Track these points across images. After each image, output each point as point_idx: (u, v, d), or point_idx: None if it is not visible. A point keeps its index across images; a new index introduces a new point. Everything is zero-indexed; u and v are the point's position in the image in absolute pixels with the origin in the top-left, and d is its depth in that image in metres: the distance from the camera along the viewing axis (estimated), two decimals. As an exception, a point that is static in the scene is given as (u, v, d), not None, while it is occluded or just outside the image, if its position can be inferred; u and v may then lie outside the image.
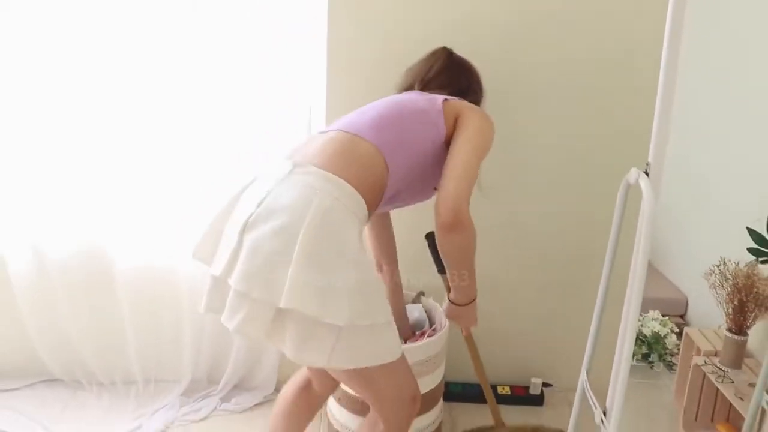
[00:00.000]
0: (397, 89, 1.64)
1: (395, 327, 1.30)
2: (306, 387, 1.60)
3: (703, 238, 2.42)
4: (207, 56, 1.97)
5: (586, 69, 1.95)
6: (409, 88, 1.61)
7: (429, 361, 1.84)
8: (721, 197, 2.27)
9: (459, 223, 1.27)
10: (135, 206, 2.05)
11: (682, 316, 2.62)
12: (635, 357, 2.17)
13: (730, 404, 1.77)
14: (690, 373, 1.93)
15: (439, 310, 1.99)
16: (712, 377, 1.83)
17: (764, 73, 1.98)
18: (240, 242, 1.22)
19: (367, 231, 1.76)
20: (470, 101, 1.55)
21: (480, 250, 2.10)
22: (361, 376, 1.31)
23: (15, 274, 2.10)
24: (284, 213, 1.19)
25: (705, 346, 1.96)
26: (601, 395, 1.46)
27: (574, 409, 1.71)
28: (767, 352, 1.55)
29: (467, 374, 2.26)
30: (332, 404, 1.93)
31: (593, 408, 1.49)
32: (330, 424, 1.96)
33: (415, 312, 2.02)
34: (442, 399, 2.02)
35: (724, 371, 1.83)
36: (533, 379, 2.22)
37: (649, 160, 1.23)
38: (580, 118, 2.00)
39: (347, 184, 1.24)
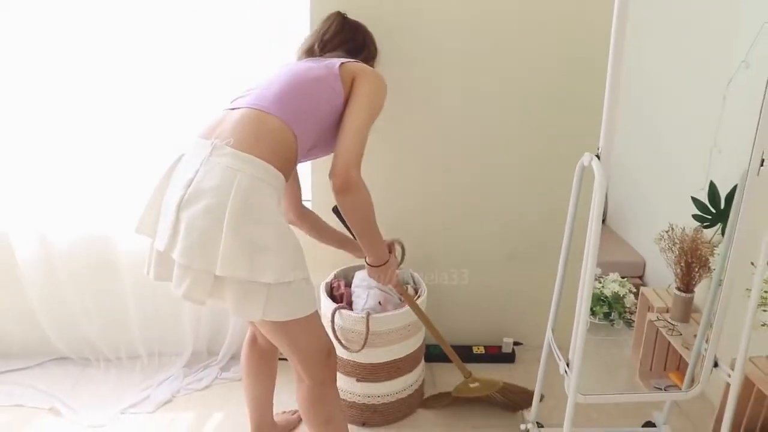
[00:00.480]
0: (299, 52, 1.79)
1: (312, 282, 1.50)
2: (253, 341, 1.81)
3: (659, 205, 2.63)
4: (193, 48, 2.10)
5: (549, 69, 2.14)
6: (310, 49, 1.76)
7: (410, 325, 2.03)
8: (673, 168, 2.48)
9: (350, 186, 1.44)
10: (134, 192, 2.15)
11: (640, 277, 2.84)
12: (597, 316, 2.37)
13: (680, 354, 1.99)
14: (645, 328, 2.15)
15: (409, 272, 2.19)
16: (663, 331, 2.04)
17: (707, 50, 2.17)
18: (177, 218, 1.39)
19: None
20: (365, 56, 1.79)
21: (456, 222, 2.30)
22: (285, 331, 1.49)
23: (23, 260, 2.22)
24: (211, 194, 1.36)
25: (658, 303, 2.17)
26: (565, 350, 1.66)
27: (541, 362, 1.93)
28: (705, 308, 1.76)
29: (445, 336, 2.47)
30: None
31: (558, 361, 1.70)
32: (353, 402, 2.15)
33: (405, 276, 2.21)
34: (423, 360, 2.23)
35: (673, 325, 2.04)
36: (505, 339, 2.43)
37: (600, 145, 1.42)
38: (542, 108, 2.19)
39: (261, 161, 1.39)
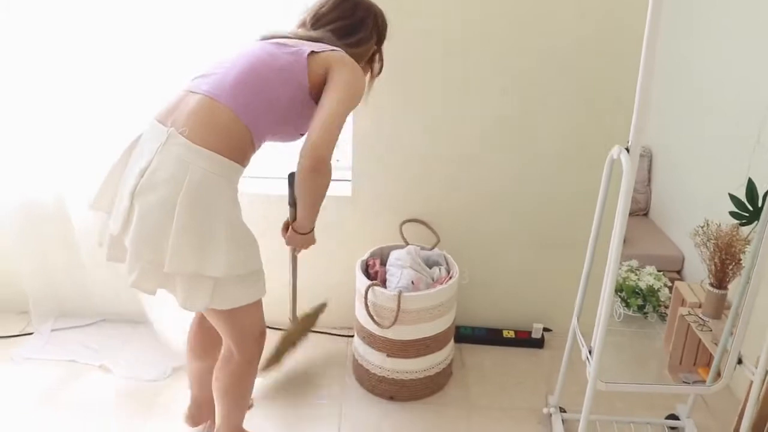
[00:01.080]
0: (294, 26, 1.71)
1: (263, 271, 1.58)
2: (202, 319, 1.82)
3: (699, 200, 2.60)
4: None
5: (579, 57, 2.14)
6: (302, 23, 1.67)
7: (442, 305, 2.09)
8: (715, 164, 2.45)
9: (320, 168, 1.45)
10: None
11: (678, 272, 2.82)
12: (631, 308, 2.37)
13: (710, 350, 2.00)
14: (676, 323, 2.16)
15: (453, 261, 2.24)
16: (694, 326, 2.04)
17: (754, 43, 2.13)
18: (132, 205, 1.43)
19: None
20: (360, 38, 1.65)
21: (489, 209, 2.33)
22: (229, 315, 1.56)
23: (78, 224, 2.31)
24: (163, 186, 1.39)
25: (690, 298, 2.17)
26: (590, 337, 1.69)
27: (566, 348, 1.97)
28: (734, 304, 1.77)
29: (476, 319, 2.53)
30: (358, 344, 2.22)
31: (581, 347, 1.74)
32: (356, 361, 2.26)
33: (432, 255, 2.27)
34: (453, 340, 2.29)
35: (704, 321, 2.04)
36: (535, 325, 2.47)
37: (630, 138, 1.44)
38: (576, 97, 2.19)
39: (214, 154, 1.40)
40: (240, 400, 1.76)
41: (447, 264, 2.26)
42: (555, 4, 2.06)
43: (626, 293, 2.34)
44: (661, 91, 2.83)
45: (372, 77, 1.78)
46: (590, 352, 1.68)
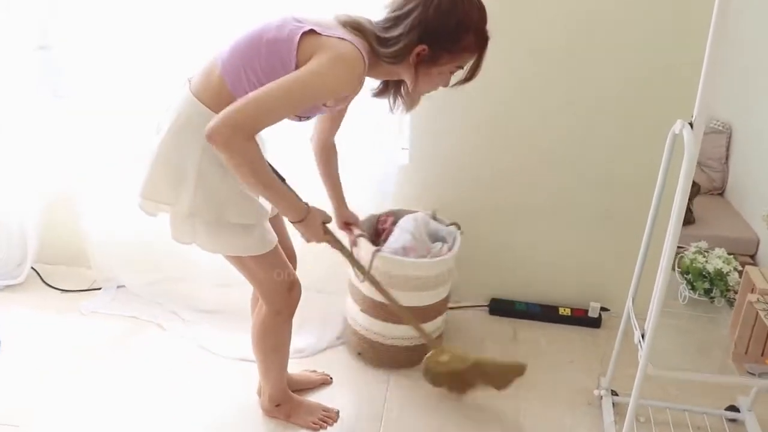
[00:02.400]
0: None
1: (257, 231, 1.59)
2: None
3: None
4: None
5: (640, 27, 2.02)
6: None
7: (419, 279, 2.06)
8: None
9: (217, 142, 1.29)
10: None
11: (752, 256, 2.67)
12: (697, 292, 2.26)
13: (779, 340, 1.88)
14: (744, 310, 2.04)
15: (454, 234, 2.19)
16: (762, 314, 1.93)
17: None
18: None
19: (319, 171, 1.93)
20: (398, 34, 1.41)
21: (546, 180, 2.26)
22: (241, 265, 1.65)
23: None
24: (164, 125, 1.52)
25: (761, 285, 2.04)
26: (645, 320, 1.62)
27: (619, 330, 1.90)
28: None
29: (531, 294, 2.48)
30: (354, 311, 2.20)
31: (634, 330, 1.67)
32: (350, 326, 2.25)
33: (442, 231, 2.22)
34: (446, 312, 2.25)
35: (775, 309, 1.93)
36: (592, 303, 2.40)
37: (694, 113, 1.35)
38: (637, 64, 2.08)
39: (200, 104, 1.47)
40: (272, 354, 1.82)
41: (453, 243, 2.18)
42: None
43: (693, 276, 2.22)
44: (746, 63, 2.66)
45: (425, 83, 1.51)
46: (643, 336, 1.61)
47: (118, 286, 2.59)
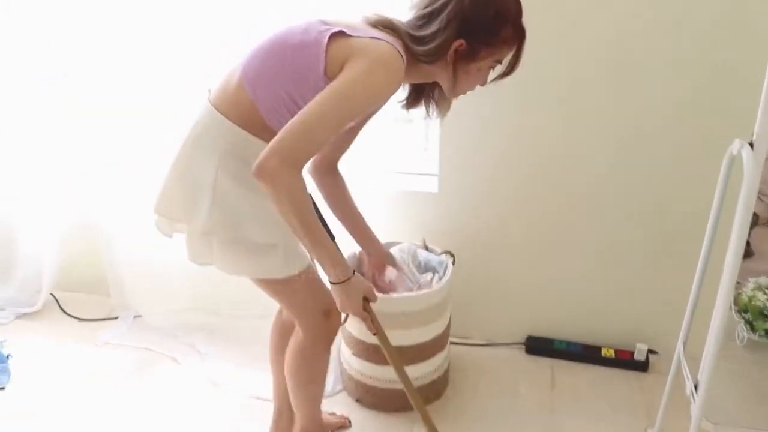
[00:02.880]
0: None
1: (282, 250, 1.44)
2: (279, 314, 1.79)
3: None
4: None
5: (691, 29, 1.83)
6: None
7: (426, 312, 1.90)
8: None
9: (263, 176, 1.20)
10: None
11: (822, 293, 2.43)
12: (758, 332, 2.06)
13: None
14: (812, 354, 1.82)
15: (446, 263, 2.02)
16: (834, 360, 1.72)
17: None
18: None
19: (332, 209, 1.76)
20: (434, 31, 1.31)
21: (588, 211, 2.09)
22: (271, 289, 1.52)
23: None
24: (184, 135, 1.42)
25: (831, 327, 1.83)
26: (699, 365, 1.43)
27: (668, 380, 1.69)
28: None
29: (572, 333, 2.28)
30: (348, 355, 2.05)
31: (686, 379, 1.48)
32: (346, 371, 2.09)
33: (433, 261, 2.04)
34: (447, 349, 2.08)
35: None
36: (639, 345, 2.18)
37: (755, 131, 1.17)
38: (688, 78, 1.88)
39: (218, 114, 1.37)
40: (307, 385, 1.66)
41: (444, 273, 2.00)
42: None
43: (752, 315, 2.03)
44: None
45: (464, 81, 1.41)
46: (695, 387, 1.41)
47: (135, 316, 2.52)
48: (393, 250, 1.98)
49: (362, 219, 1.81)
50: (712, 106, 1.88)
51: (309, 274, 1.51)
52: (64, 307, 2.60)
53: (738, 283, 2.15)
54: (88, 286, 2.66)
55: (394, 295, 1.87)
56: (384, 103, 1.38)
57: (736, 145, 1.22)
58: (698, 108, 1.90)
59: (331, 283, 1.40)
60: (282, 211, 1.25)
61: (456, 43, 1.32)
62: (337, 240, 1.41)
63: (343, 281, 1.38)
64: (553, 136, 2.03)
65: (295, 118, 1.21)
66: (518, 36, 1.35)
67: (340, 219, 1.76)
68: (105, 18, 2.13)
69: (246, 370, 2.16)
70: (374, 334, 1.53)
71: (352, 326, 1.95)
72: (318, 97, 1.22)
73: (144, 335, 2.41)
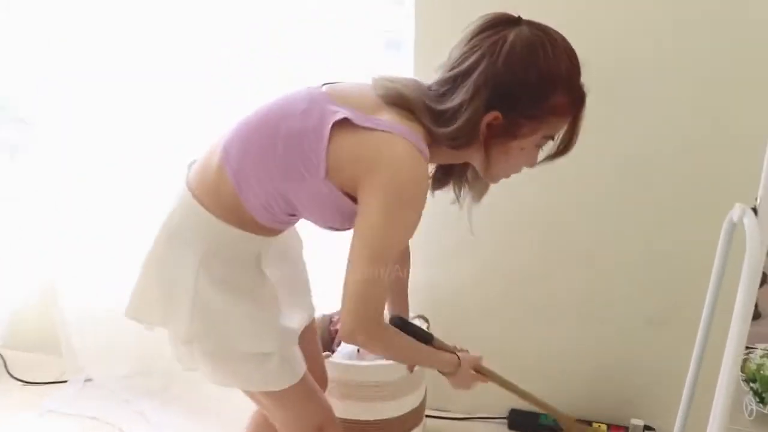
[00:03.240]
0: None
1: (276, 360, 1.23)
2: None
3: None
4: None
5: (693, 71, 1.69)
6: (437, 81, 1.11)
7: (399, 383, 1.73)
8: None
9: (363, 346, 1.16)
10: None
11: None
12: (767, 405, 1.88)
13: None
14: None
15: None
16: None
17: None
18: None
19: None
20: (457, 104, 1.06)
21: (575, 279, 1.92)
22: (256, 399, 1.32)
23: None
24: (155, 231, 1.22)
25: None
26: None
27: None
28: None
29: (559, 406, 2.08)
30: None
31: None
32: None
33: None
34: (423, 424, 1.90)
35: None
36: (633, 420, 1.98)
37: (759, 194, 1.01)
38: (688, 137, 1.74)
39: (195, 202, 1.15)
40: None
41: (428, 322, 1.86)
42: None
43: (760, 385, 1.88)
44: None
45: (503, 164, 1.15)
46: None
47: (86, 380, 2.32)
48: None
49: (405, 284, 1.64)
50: (711, 166, 1.74)
51: (306, 384, 1.32)
52: (10, 369, 2.40)
53: (747, 348, 1.98)
54: (40, 343, 2.46)
55: (363, 363, 1.69)
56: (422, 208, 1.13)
57: (737, 211, 1.05)
58: (697, 169, 1.76)
59: (446, 373, 1.35)
60: (387, 356, 1.25)
61: (488, 117, 1.05)
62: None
63: (455, 372, 1.33)
64: (538, 185, 1.86)
65: (348, 281, 1.07)
66: (574, 103, 1.07)
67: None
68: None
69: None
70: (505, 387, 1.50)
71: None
72: (362, 251, 1.06)
73: (92, 401, 2.21)
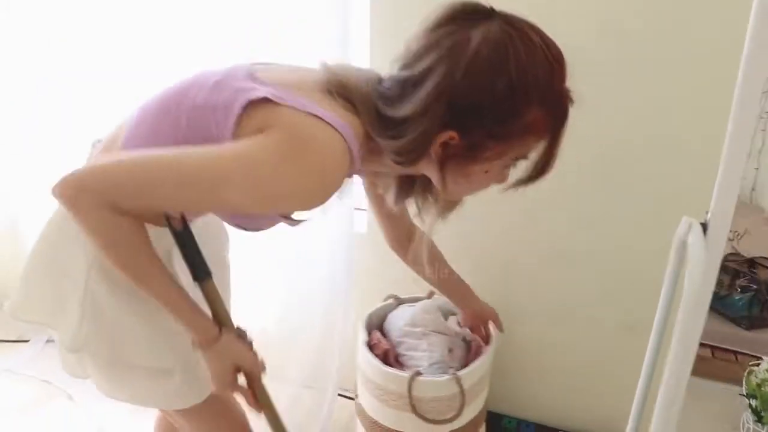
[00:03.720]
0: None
1: (179, 376, 1.08)
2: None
3: None
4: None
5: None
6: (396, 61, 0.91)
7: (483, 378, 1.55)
8: None
9: (63, 201, 0.85)
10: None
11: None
12: (766, 425, 1.71)
13: None
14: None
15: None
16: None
17: None
18: None
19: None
20: (406, 116, 0.86)
21: (551, 277, 1.73)
22: (168, 412, 1.17)
23: None
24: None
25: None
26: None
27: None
28: None
29: (524, 411, 1.94)
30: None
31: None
32: None
33: (451, 306, 1.69)
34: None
35: None
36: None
37: (710, 208, 0.84)
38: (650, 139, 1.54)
39: None
40: None
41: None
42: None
43: (760, 402, 1.71)
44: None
45: (463, 185, 0.95)
46: None
47: (48, 340, 2.28)
48: (416, 315, 1.62)
49: (453, 273, 1.47)
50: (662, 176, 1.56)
51: (217, 399, 1.16)
52: (-28, 324, 2.36)
53: (755, 358, 1.82)
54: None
55: (477, 362, 1.50)
56: (300, 209, 0.93)
57: (684, 226, 0.88)
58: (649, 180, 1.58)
59: (199, 345, 1.01)
60: (94, 240, 0.89)
61: (443, 137, 0.85)
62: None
63: (207, 346, 0.99)
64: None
65: (122, 155, 0.89)
66: (553, 119, 0.86)
67: (437, 285, 1.48)
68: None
69: (141, 419, 1.88)
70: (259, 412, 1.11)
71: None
72: (176, 150, 0.87)
73: (49, 364, 2.14)
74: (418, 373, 1.45)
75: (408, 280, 1.81)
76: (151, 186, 0.85)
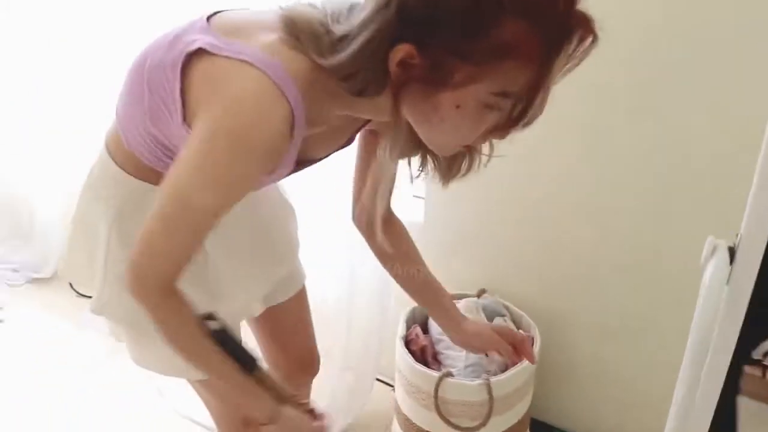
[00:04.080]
0: None
1: None
2: None
3: None
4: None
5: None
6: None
7: (527, 383, 1.47)
8: None
9: (140, 300, 0.84)
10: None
11: None
12: None
13: None
14: None
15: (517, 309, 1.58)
16: None
17: None
18: None
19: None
20: (350, 30, 0.75)
21: (594, 293, 1.60)
22: (194, 384, 1.15)
23: None
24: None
25: None
26: None
27: None
28: None
29: (577, 422, 1.81)
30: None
31: None
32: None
33: (497, 306, 1.61)
34: None
35: None
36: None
37: (741, 231, 0.71)
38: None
39: (105, 151, 1.01)
40: None
41: (510, 313, 1.59)
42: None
43: None
44: None
45: (430, 125, 0.81)
46: None
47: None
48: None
49: (440, 288, 1.29)
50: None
51: None
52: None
53: None
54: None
55: (513, 370, 1.41)
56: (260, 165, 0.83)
57: (708, 246, 0.74)
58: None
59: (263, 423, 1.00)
60: (165, 332, 0.88)
61: (397, 52, 0.73)
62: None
63: (275, 417, 0.98)
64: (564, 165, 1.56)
65: (141, 233, 0.84)
66: (545, 40, 0.69)
67: (414, 295, 1.30)
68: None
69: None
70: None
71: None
72: (163, 189, 0.81)
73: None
74: (449, 374, 1.38)
75: (462, 275, 1.75)
76: (175, 243, 0.82)
